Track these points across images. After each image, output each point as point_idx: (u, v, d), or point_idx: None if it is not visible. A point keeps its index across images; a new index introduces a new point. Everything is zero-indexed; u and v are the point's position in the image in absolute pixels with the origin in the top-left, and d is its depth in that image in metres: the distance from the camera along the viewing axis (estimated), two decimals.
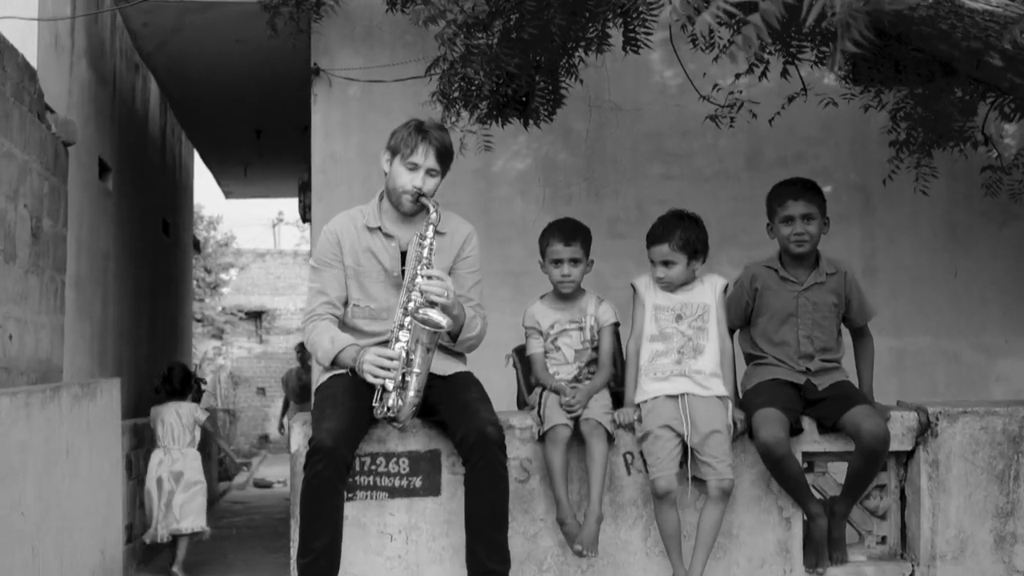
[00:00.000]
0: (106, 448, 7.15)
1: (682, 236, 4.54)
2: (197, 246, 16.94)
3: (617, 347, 4.73)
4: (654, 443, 4.39)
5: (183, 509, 8.45)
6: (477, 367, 4.80)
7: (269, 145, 11.97)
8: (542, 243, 4.70)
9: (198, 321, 22.00)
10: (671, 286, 4.59)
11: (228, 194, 16.09)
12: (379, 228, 4.52)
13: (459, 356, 4.61)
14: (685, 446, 4.41)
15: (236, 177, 14.35)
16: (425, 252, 4.31)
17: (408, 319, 4.24)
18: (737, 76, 6.95)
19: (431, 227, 4.35)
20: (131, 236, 10.21)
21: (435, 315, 4.18)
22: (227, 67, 9.47)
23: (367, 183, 7.98)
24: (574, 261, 4.62)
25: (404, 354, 4.22)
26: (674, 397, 4.48)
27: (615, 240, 8.07)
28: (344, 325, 4.55)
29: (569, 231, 4.64)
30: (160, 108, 11.56)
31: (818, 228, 4.69)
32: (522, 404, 4.86)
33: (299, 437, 4.41)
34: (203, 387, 10.29)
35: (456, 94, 6.72)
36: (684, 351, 4.53)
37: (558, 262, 4.63)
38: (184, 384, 8.96)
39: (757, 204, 8.19)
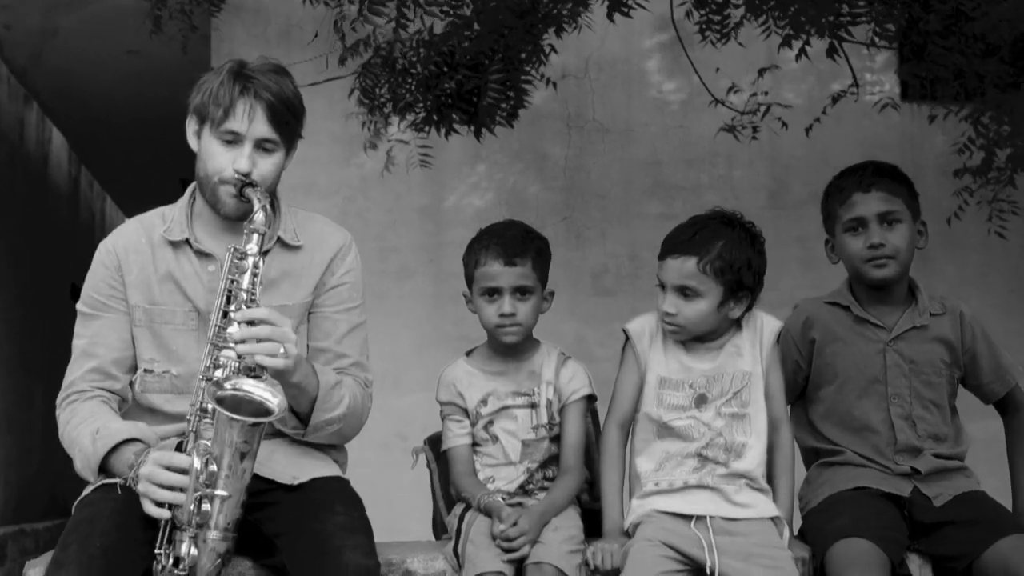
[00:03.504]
0: None
1: (725, 253, 2.72)
2: None
3: (594, 434, 2.90)
4: (638, 552, 2.56)
5: None
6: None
7: None
8: (468, 263, 2.89)
9: None
10: (683, 334, 2.75)
11: None
12: (187, 241, 2.74)
13: (326, 449, 2.78)
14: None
15: None
16: (245, 280, 2.52)
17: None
18: (761, 72, 5.31)
19: (256, 236, 2.56)
20: (15, 304, 8.44)
21: (256, 391, 2.42)
22: (122, 88, 7.79)
23: None
24: (521, 292, 2.81)
25: (202, 464, 2.38)
26: (688, 517, 2.63)
27: (602, 297, 6.47)
28: (135, 406, 2.76)
29: (512, 242, 2.84)
30: (68, 153, 9.82)
31: (908, 237, 2.95)
32: (441, 529, 3.00)
33: None
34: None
35: (383, 91, 5.00)
36: (710, 453, 2.70)
37: (493, 293, 2.81)
38: None
39: (783, 251, 6.56)
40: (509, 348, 2.84)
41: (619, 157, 6.62)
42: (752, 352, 2.78)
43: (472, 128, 5.02)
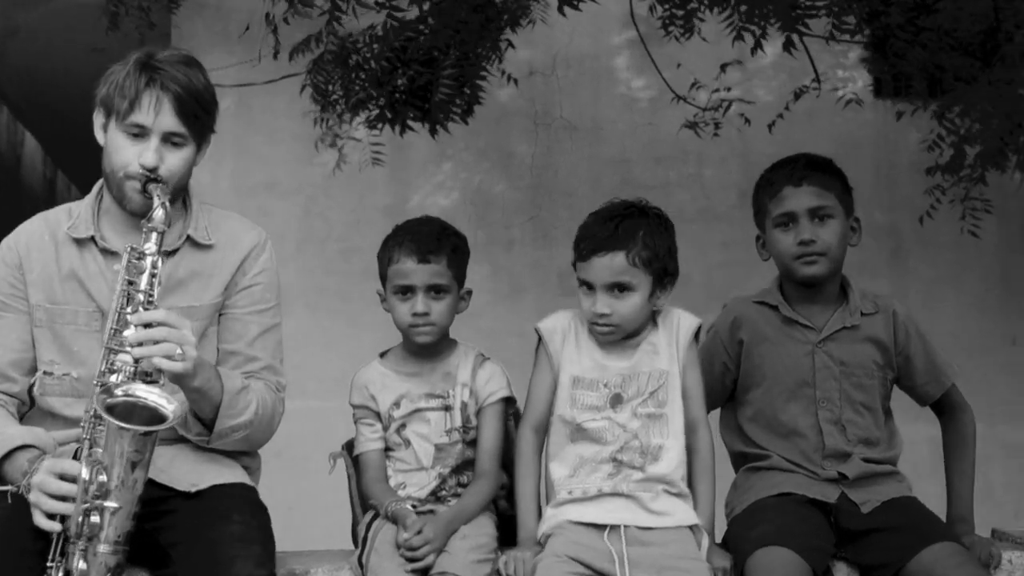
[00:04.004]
0: None
1: (648, 242, 2.63)
2: None
3: (512, 437, 2.79)
4: (545, 569, 2.46)
5: None
6: None
7: None
8: (382, 260, 2.80)
9: None
10: (618, 333, 2.65)
11: None
12: (92, 239, 2.64)
13: (236, 455, 2.68)
14: None
15: None
16: (143, 281, 2.42)
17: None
18: (723, 67, 5.20)
19: (154, 234, 2.46)
20: None
21: (150, 397, 2.33)
22: (88, 87, 7.59)
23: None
24: (436, 290, 2.72)
25: (91, 474, 2.29)
26: (602, 527, 2.52)
27: (569, 297, 6.00)
28: (36, 409, 2.66)
29: (426, 239, 2.74)
30: (43, 155, 9.71)
31: (840, 234, 2.82)
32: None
33: None
34: None
35: (336, 87, 4.91)
36: (625, 457, 2.60)
37: (407, 291, 2.72)
38: None
39: (754, 251, 6.52)
40: (423, 349, 2.75)
41: (587, 155, 6.49)
42: (669, 350, 2.67)
43: (426, 125, 4.92)
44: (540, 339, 2.73)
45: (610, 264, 2.61)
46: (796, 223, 2.78)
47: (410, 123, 4.94)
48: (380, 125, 4.92)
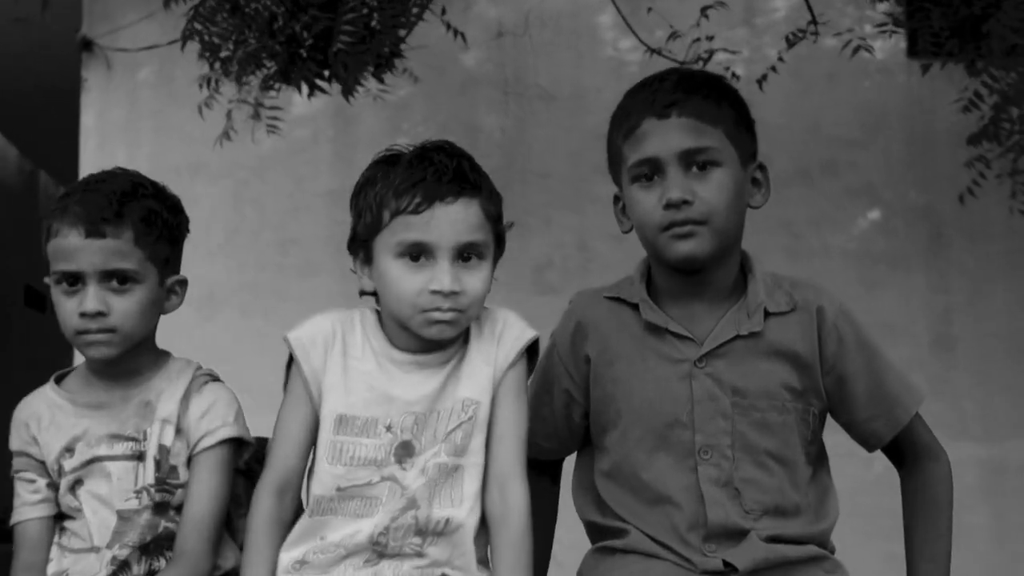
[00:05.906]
0: None
1: (493, 190, 1.88)
2: None
3: (245, 499, 1.91)
4: None
5: None
6: None
7: None
8: (43, 234, 1.93)
9: None
10: (462, 323, 1.79)
11: None
12: None
13: None
14: None
15: None
16: None
17: None
18: (704, 11, 4.48)
19: None
20: None
21: None
22: (19, 61, 7.06)
23: None
24: (117, 279, 1.85)
25: None
26: None
27: (545, 296, 5.57)
28: None
29: (99, 202, 1.85)
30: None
31: (730, 190, 1.85)
32: None
33: None
34: None
35: (228, 41, 4.16)
36: (392, 542, 1.72)
37: (74, 280, 1.84)
38: None
39: (767, 237, 5.45)
40: (109, 368, 1.87)
41: (566, 128, 5.78)
42: (484, 371, 1.79)
43: (331, 80, 4.14)
44: (291, 355, 1.84)
45: (464, 215, 1.76)
46: (662, 175, 1.84)
47: (319, 83, 4.15)
48: (277, 85, 4.11)
